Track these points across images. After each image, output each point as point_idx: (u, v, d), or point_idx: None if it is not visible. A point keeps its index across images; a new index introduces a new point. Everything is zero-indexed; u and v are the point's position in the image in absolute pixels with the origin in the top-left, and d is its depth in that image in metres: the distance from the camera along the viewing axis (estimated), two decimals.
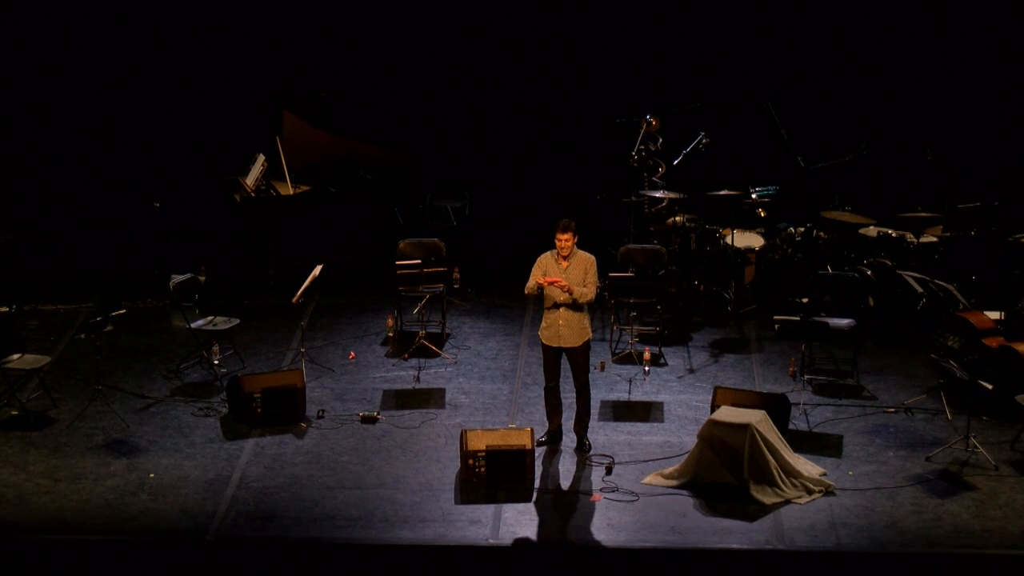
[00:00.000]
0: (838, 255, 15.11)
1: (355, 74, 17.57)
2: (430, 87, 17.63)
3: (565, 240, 11.97)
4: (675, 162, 15.81)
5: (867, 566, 10.82)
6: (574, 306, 12.01)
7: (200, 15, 17.32)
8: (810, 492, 11.51)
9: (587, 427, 12.37)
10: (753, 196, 15.68)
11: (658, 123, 15.73)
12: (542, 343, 12.22)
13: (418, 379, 13.70)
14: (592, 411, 12.60)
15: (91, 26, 17.31)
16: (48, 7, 17.31)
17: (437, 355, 14.14)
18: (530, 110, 17.57)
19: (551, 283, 11.91)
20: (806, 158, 15.77)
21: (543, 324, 12.17)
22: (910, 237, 15.11)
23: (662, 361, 14.02)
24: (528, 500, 11.48)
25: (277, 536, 11.06)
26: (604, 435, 12.52)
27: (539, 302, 12.24)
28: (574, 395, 12.28)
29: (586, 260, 12.07)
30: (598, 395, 13.15)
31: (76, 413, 12.92)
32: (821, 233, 15.31)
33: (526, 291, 12.12)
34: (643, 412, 13.02)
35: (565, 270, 12.01)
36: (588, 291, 11.99)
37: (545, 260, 12.11)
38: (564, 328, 12.05)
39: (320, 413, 12.97)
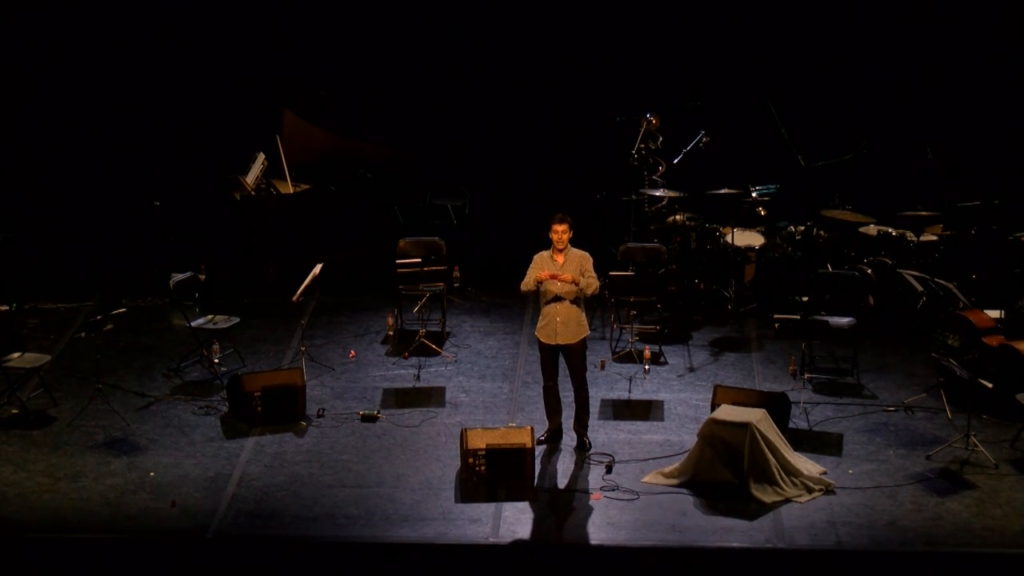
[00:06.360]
0: (838, 254, 15.12)
1: (355, 72, 17.57)
2: (430, 85, 17.62)
3: (562, 231, 11.97)
4: (675, 161, 15.81)
5: (867, 565, 10.82)
6: (573, 302, 12.01)
7: (200, 13, 17.30)
8: (810, 491, 11.51)
9: (586, 426, 12.37)
10: (753, 195, 15.68)
11: (658, 122, 15.73)
12: (539, 341, 12.22)
13: (418, 378, 13.70)
14: (592, 410, 12.60)
15: (91, 25, 17.30)
16: (48, 6, 17.30)
17: (437, 354, 14.14)
18: (530, 109, 17.56)
19: (552, 277, 11.91)
20: (806, 157, 15.77)
21: (540, 322, 12.16)
22: (910, 236, 15.12)
23: (662, 360, 14.02)
24: (528, 499, 11.48)
25: (277, 535, 11.06)
26: (604, 434, 12.52)
27: (538, 300, 12.22)
28: (572, 393, 12.29)
29: (581, 257, 12.07)
30: (598, 394, 13.15)
31: (76, 412, 12.92)
32: (821, 232, 15.32)
33: (522, 287, 12.11)
34: (643, 411, 13.02)
35: (561, 267, 12.00)
36: (591, 281, 11.99)
37: (541, 259, 12.12)
38: (561, 325, 12.04)
39: (320, 412, 12.97)
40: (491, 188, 17.25)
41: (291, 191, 16.20)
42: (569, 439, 12.38)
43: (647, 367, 13.76)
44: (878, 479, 11.77)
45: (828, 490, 11.56)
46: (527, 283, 12.08)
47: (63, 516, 11.27)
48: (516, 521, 11.19)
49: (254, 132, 16.56)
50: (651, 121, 15.70)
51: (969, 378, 12.22)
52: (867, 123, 16.61)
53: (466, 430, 11.77)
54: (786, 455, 11.63)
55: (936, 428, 12.60)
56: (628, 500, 11.46)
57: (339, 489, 11.66)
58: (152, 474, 11.89)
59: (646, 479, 11.76)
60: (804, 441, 12.33)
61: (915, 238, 15.12)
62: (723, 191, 15.39)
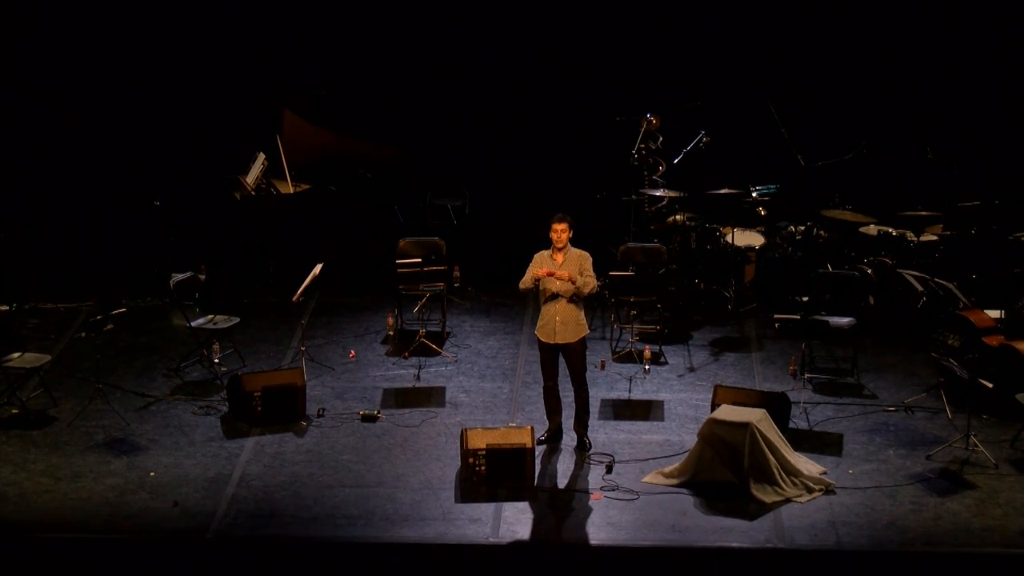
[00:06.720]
0: (838, 254, 15.12)
1: (355, 72, 17.56)
2: (430, 85, 17.62)
3: (561, 231, 12.00)
4: (675, 161, 15.81)
5: (867, 565, 10.82)
6: (572, 300, 12.01)
7: (200, 13, 17.30)
8: (810, 491, 11.51)
9: (587, 426, 12.37)
10: (753, 195, 15.68)
11: (658, 121, 15.73)
12: (538, 340, 12.22)
13: (418, 378, 13.70)
14: (592, 410, 12.60)
15: (92, 25, 17.29)
16: (49, 6, 17.29)
17: (437, 354, 14.14)
18: (530, 108, 17.56)
19: (549, 275, 11.92)
20: (806, 156, 15.77)
21: (539, 321, 12.17)
22: (910, 236, 15.12)
23: (662, 360, 14.02)
24: (528, 499, 11.48)
25: (277, 535, 11.06)
26: (604, 434, 12.52)
27: (539, 299, 12.23)
28: (572, 393, 12.29)
29: (581, 256, 12.09)
30: (598, 394, 13.15)
31: (76, 412, 12.92)
32: (821, 232, 15.31)
33: (520, 285, 12.12)
34: (643, 411, 13.02)
35: (560, 266, 12.02)
36: (589, 280, 12.00)
37: (541, 258, 12.14)
38: (560, 324, 12.05)
39: (320, 412, 12.97)
40: (491, 188, 17.24)
41: (291, 191, 16.20)
42: (569, 439, 12.37)
43: (647, 367, 13.76)
44: (878, 479, 11.76)
45: (828, 490, 11.56)
46: (525, 281, 12.10)
47: (63, 516, 11.27)
48: (516, 521, 11.19)
49: (254, 132, 16.56)
50: (651, 121, 15.70)
51: (969, 378, 12.22)
52: (867, 123, 16.60)
53: (466, 430, 11.77)
54: (786, 455, 11.63)
55: (936, 428, 12.60)
56: (628, 500, 11.45)
57: (339, 489, 11.66)
58: (152, 474, 11.89)
59: (646, 479, 11.76)
60: (804, 441, 12.33)
61: (915, 238, 15.12)
62: (723, 191, 15.39)
